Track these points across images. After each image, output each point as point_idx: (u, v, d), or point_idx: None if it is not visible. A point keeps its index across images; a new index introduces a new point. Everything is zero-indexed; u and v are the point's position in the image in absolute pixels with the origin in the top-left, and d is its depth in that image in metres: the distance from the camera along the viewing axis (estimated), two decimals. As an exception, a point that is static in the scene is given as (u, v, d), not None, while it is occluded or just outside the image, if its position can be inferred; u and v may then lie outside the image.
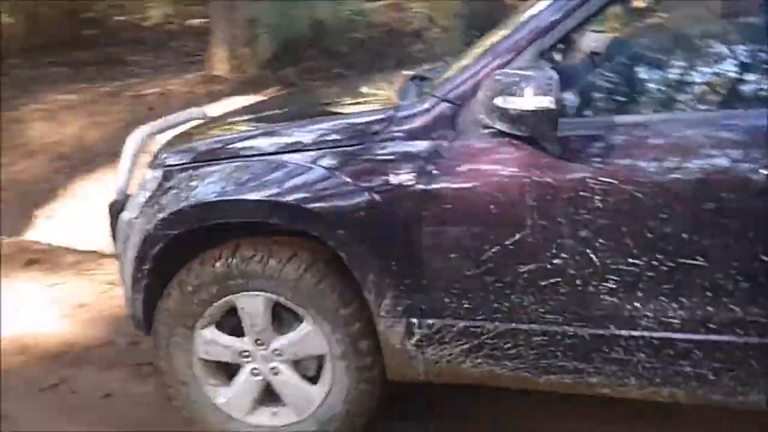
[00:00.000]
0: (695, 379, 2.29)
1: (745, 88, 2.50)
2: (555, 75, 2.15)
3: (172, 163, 2.69)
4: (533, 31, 2.34)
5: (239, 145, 2.65)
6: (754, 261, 2.15)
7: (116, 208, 2.84)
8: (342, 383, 2.59)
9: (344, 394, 2.60)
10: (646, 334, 2.28)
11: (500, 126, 2.23)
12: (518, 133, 2.22)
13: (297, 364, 2.66)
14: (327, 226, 2.43)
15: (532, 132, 2.20)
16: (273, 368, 2.65)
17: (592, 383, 2.39)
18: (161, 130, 3.02)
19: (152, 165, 2.76)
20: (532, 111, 2.13)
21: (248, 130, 2.82)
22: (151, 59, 8.80)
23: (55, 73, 8.44)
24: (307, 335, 2.58)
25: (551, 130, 2.19)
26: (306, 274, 2.52)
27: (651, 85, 2.58)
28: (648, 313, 2.26)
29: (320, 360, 2.62)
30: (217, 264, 2.57)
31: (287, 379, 2.65)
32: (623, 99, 2.51)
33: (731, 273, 2.17)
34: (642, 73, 2.63)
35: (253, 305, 2.59)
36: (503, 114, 2.18)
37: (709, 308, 2.21)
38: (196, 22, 10.68)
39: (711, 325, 2.22)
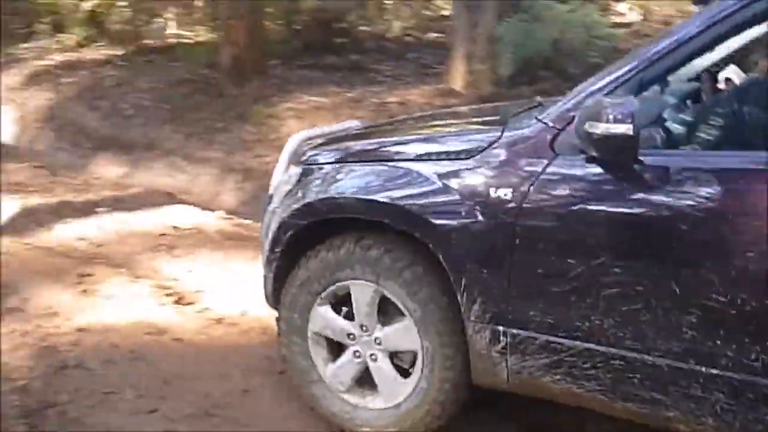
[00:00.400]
0: (777, 429, 2.19)
1: None
2: (636, 103, 2.19)
3: (312, 162, 2.98)
4: (636, 64, 2.38)
5: (372, 150, 2.91)
6: None
7: (266, 202, 3.18)
8: (429, 382, 2.74)
9: (429, 392, 2.74)
10: (726, 373, 2.22)
11: (589, 150, 2.30)
12: (603, 157, 2.28)
13: (394, 356, 2.84)
14: (434, 232, 2.58)
15: (613, 156, 2.26)
16: (372, 354, 2.85)
17: (669, 417, 2.36)
18: (317, 136, 3.32)
19: (296, 162, 3.08)
20: (612, 136, 2.18)
21: (381, 140, 3.03)
22: (391, 69, 9.28)
23: (308, 76, 9.13)
24: (404, 330, 2.74)
25: (631, 155, 2.23)
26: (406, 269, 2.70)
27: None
28: (729, 353, 2.21)
29: (414, 356, 2.77)
30: (341, 251, 2.80)
31: (382, 367, 2.84)
32: (726, 135, 2.45)
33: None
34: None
35: (363, 293, 2.80)
36: (590, 138, 2.25)
37: (796, 355, 2.12)
38: (432, 36, 11.09)
39: (798, 374, 2.12)
